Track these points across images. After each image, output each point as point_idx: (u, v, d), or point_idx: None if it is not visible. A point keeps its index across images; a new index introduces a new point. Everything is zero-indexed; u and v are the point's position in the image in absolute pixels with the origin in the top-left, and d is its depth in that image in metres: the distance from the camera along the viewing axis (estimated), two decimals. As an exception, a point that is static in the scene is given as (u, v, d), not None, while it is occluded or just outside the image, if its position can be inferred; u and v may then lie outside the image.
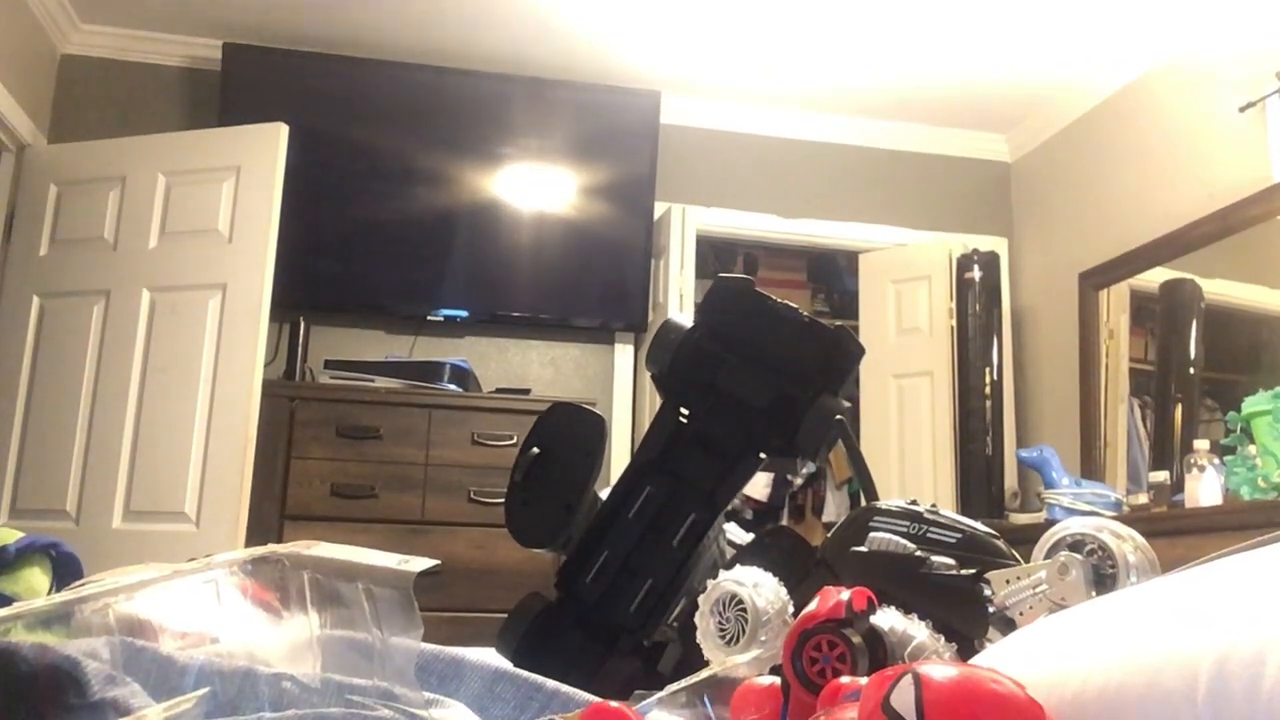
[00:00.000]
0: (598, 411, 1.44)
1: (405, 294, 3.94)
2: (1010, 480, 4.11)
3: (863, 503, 1.18)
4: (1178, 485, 3.14)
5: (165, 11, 3.80)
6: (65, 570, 1.39)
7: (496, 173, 4.03)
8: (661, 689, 0.89)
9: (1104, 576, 0.92)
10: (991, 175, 4.61)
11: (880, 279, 4.36)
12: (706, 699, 0.87)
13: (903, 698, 0.50)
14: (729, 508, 1.37)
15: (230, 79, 3.85)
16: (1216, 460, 2.97)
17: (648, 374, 1.52)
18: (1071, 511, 3.28)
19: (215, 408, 3.26)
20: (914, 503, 1.08)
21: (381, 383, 3.53)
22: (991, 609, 0.96)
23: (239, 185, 3.41)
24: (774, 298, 1.41)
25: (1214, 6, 3.45)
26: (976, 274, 4.17)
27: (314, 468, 3.32)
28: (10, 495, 3.30)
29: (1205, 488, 2.93)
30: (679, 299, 4.09)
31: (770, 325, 1.38)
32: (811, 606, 0.79)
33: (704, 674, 0.91)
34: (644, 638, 1.31)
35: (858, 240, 4.45)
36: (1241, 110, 3.28)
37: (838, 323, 1.62)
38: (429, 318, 3.94)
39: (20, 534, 1.39)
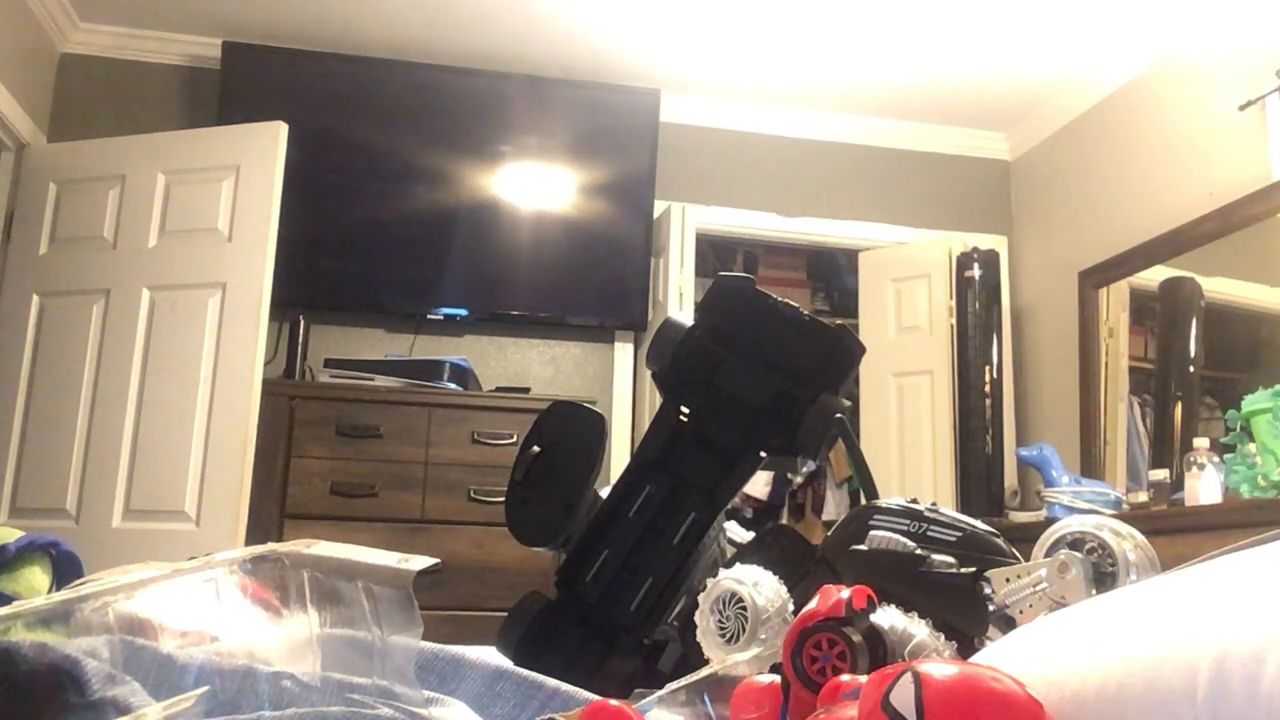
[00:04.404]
0: (598, 410, 1.44)
1: (405, 293, 3.94)
2: (1010, 478, 4.11)
3: (863, 501, 1.18)
4: (1177, 483, 3.14)
5: (165, 10, 3.79)
6: (65, 569, 1.39)
7: (496, 171, 4.03)
8: (662, 687, 0.89)
9: (1104, 575, 0.92)
10: (991, 173, 4.61)
11: (880, 277, 4.35)
12: (706, 697, 0.87)
13: (903, 696, 0.50)
14: (729, 506, 1.37)
15: (230, 78, 3.84)
16: (1216, 458, 2.97)
17: (648, 373, 1.52)
18: (1071, 510, 3.28)
19: (215, 407, 3.26)
20: (914, 501, 1.08)
21: (381, 381, 3.53)
22: (991, 607, 0.96)
23: (239, 184, 3.41)
24: (774, 296, 1.41)
25: (1214, 5, 3.44)
26: (976, 272, 4.17)
27: (314, 466, 3.32)
28: (10, 494, 3.30)
29: (1205, 486, 2.92)
30: (679, 297, 4.09)
31: (771, 324, 1.38)
32: (811, 605, 0.79)
33: (704, 672, 0.91)
34: (644, 636, 1.31)
35: (857, 239, 4.45)
36: (1241, 108, 3.28)
37: (838, 321, 1.62)
38: (429, 316, 3.94)
39: (20, 533, 1.39)
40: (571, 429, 1.41)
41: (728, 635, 1.06)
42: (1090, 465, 3.79)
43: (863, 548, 1.05)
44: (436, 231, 3.97)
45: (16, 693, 0.62)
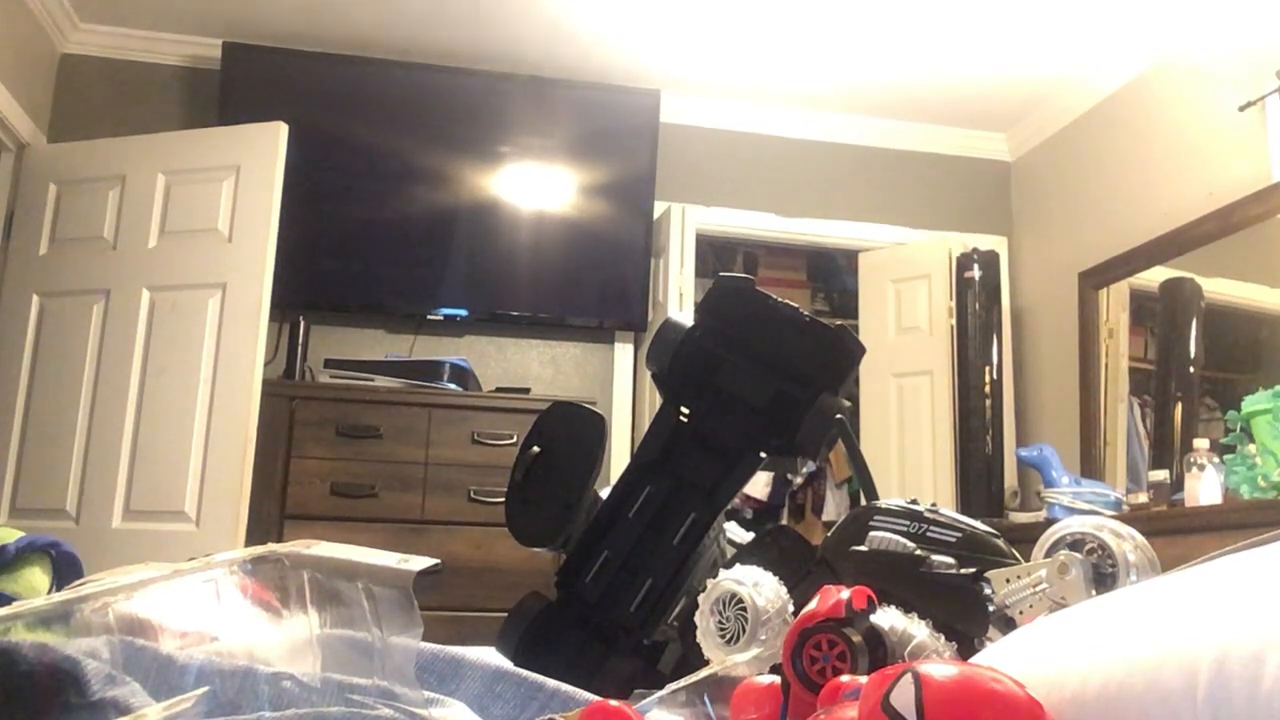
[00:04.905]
0: (598, 411, 1.44)
1: (405, 293, 3.94)
2: (1010, 479, 4.11)
3: (863, 502, 1.18)
4: (1177, 484, 3.14)
5: (165, 11, 3.79)
6: (65, 570, 1.39)
7: (496, 172, 4.03)
8: (661, 688, 0.89)
9: (1104, 575, 0.92)
10: (991, 174, 4.61)
11: (880, 278, 4.35)
12: (706, 698, 0.87)
13: (903, 696, 0.50)
14: (729, 507, 1.37)
15: (230, 78, 3.84)
16: (1216, 459, 2.96)
17: (648, 373, 1.52)
18: (1071, 510, 3.28)
19: (215, 407, 3.25)
20: (914, 502, 1.08)
21: (381, 382, 3.53)
22: (991, 608, 0.96)
23: (239, 184, 3.41)
24: (774, 297, 1.41)
25: (1214, 5, 3.44)
26: (976, 273, 4.17)
27: (314, 467, 3.32)
28: (10, 495, 3.30)
29: (1205, 487, 2.92)
30: (679, 298, 4.09)
31: (771, 324, 1.38)
32: (812, 605, 0.79)
33: (704, 673, 0.91)
34: (644, 637, 1.31)
35: (857, 239, 4.45)
36: (1241, 109, 3.27)
37: (838, 322, 1.62)
38: (429, 317, 3.94)
39: (20, 534, 1.39)
40: (571, 429, 1.41)
41: (728, 636, 1.06)
42: (1090, 466, 3.79)
43: (863, 548, 1.05)
44: (436, 232, 3.97)
45: (16, 693, 0.62)
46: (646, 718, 0.82)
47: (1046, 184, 4.37)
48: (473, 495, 3.37)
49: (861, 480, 1.39)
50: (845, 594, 0.79)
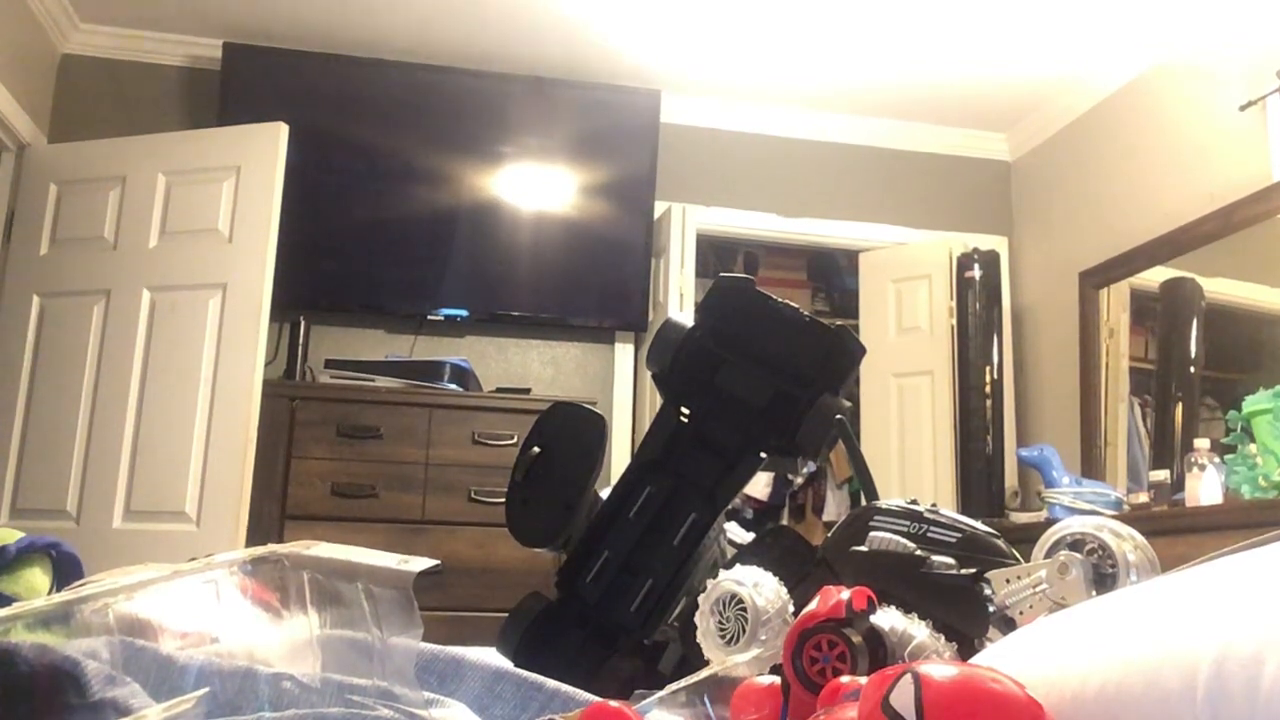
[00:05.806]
0: (598, 411, 1.44)
1: (405, 293, 3.94)
2: (1010, 479, 4.11)
3: (863, 502, 1.18)
4: (1178, 484, 3.14)
5: (165, 11, 3.80)
6: (65, 570, 1.39)
7: (497, 172, 4.03)
8: (662, 688, 0.89)
9: (1104, 576, 0.92)
10: (992, 174, 4.61)
11: (880, 278, 4.36)
12: (706, 698, 0.87)
13: (902, 697, 0.50)
14: (729, 507, 1.37)
15: (230, 79, 3.85)
16: (1217, 459, 2.96)
17: (648, 373, 1.52)
18: (1072, 510, 3.28)
19: (215, 408, 3.26)
20: (914, 502, 1.08)
21: (382, 382, 3.53)
22: (992, 608, 0.96)
23: (239, 185, 3.41)
24: (775, 297, 1.41)
25: (1214, 5, 3.44)
26: (977, 273, 4.17)
27: (314, 467, 3.32)
28: (10, 495, 3.30)
29: (1206, 486, 2.92)
30: (679, 298, 4.09)
31: (771, 325, 1.38)
32: (812, 606, 0.79)
33: (704, 673, 0.91)
34: (644, 637, 1.31)
35: (858, 239, 4.45)
36: (1242, 109, 3.27)
37: (838, 322, 1.62)
38: (429, 317, 3.94)
39: (20, 534, 1.39)
40: (572, 430, 1.41)
41: (728, 636, 1.06)
42: (1091, 466, 3.78)
43: (863, 549, 1.05)
44: (437, 232, 3.97)
45: (16, 694, 0.62)
46: (646, 718, 0.82)
47: (1047, 184, 4.37)
48: (473, 495, 3.37)
49: (862, 480, 1.39)
50: (845, 594, 0.79)
